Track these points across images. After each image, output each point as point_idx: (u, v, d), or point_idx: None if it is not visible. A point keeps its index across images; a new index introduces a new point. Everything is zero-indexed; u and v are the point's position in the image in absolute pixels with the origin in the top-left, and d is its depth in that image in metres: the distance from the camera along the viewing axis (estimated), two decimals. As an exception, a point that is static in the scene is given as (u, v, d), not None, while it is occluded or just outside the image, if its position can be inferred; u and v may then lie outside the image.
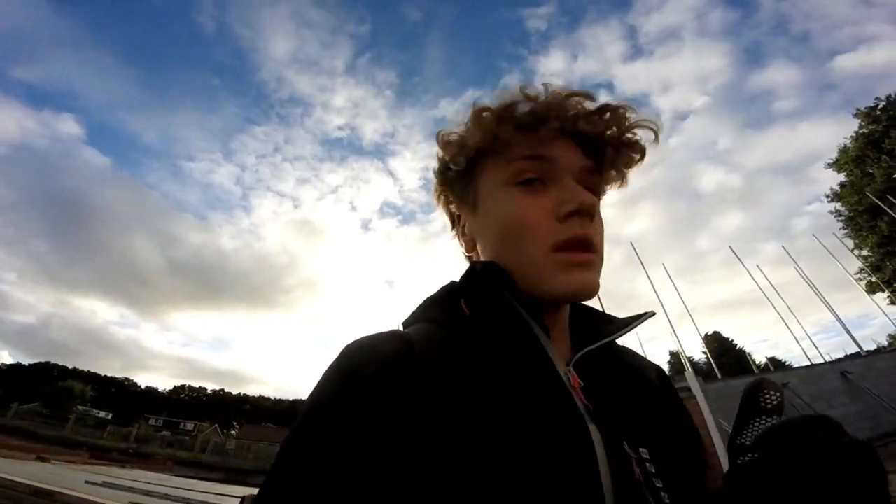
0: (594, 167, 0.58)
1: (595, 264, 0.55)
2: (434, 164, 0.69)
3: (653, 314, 0.60)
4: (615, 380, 0.55)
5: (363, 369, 0.48)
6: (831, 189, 27.52)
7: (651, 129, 0.58)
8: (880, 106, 25.09)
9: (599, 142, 0.57)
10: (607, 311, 0.65)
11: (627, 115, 0.58)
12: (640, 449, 0.47)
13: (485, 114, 0.59)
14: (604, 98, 0.59)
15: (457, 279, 0.63)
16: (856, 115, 25.90)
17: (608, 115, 0.57)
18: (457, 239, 0.70)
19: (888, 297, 23.01)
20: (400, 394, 0.45)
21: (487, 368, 0.49)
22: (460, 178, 0.64)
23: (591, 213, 0.54)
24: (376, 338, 0.53)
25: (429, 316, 0.60)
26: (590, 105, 0.58)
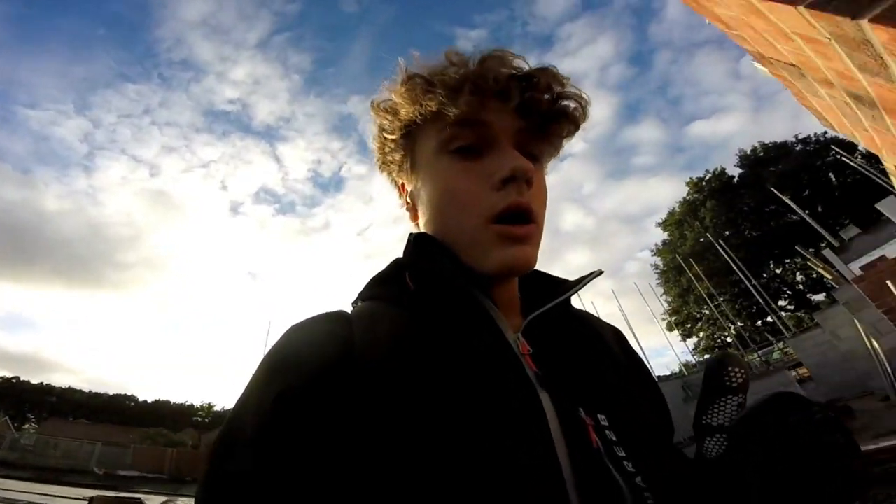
0: (531, 130, 0.56)
1: (534, 236, 0.54)
2: (369, 132, 0.67)
3: (600, 272, 0.59)
4: (569, 345, 0.54)
5: (295, 358, 0.47)
6: (655, 245, 35.36)
7: (580, 102, 0.57)
8: (706, 178, 32.03)
9: (533, 106, 0.54)
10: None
11: (562, 81, 0.56)
12: (599, 415, 0.45)
13: (417, 80, 0.57)
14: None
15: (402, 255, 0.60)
16: (687, 183, 33.03)
17: (541, 79, 0.54)
18: (403, 208, 0.68)
19: (680, 334, 30.60)
20: (338, 379, 0.44)
21: (433, 342, 0.48)
22: (398, 147, 0.62)
23: (527, 179, 0.52)
24: (312, 322, 0.52)
25: (374, 293, 0.59)
26: (523, 66, 0.56)
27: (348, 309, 0.58)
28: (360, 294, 0.60)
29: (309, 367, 0.46)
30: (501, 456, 0.40)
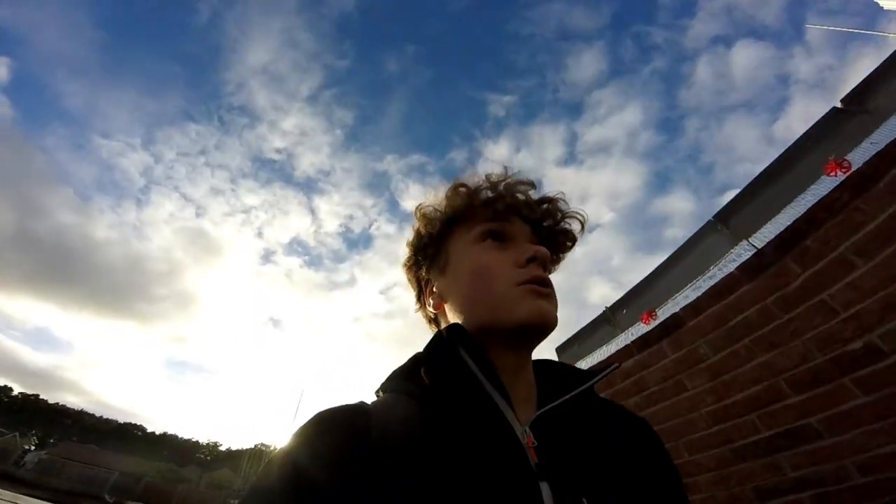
0: (542, 242, 0.69)
1: (554, 298, 0.62)
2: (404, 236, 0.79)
3: (618, 366, 0.66)
4: (577, 436, 0.57)
5: (318, 446, 0.51)
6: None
7: (579, 220, 0.73)
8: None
9: (539, 227, 0.71)
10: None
11: (560, 206, 0.72)
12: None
13: (460, 188, 0.72)
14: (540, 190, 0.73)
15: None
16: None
17: (546, 206, 0.71)
18: (421, 310, 0.77)
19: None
20: (353, 468, 0.48)
21: (442, 435, 0.52)
22: (433, 244, 0.73)
23: (545, 262, 0.64)
24: (335, 412, 0.56)
25: (393, 386, 0.63)
26: (533, 194, 0.72)
27: (369, 399, 0.63)
28: (382, 386, 0.65)
29: (329, 458, 0.50)
30: None
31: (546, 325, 0.60)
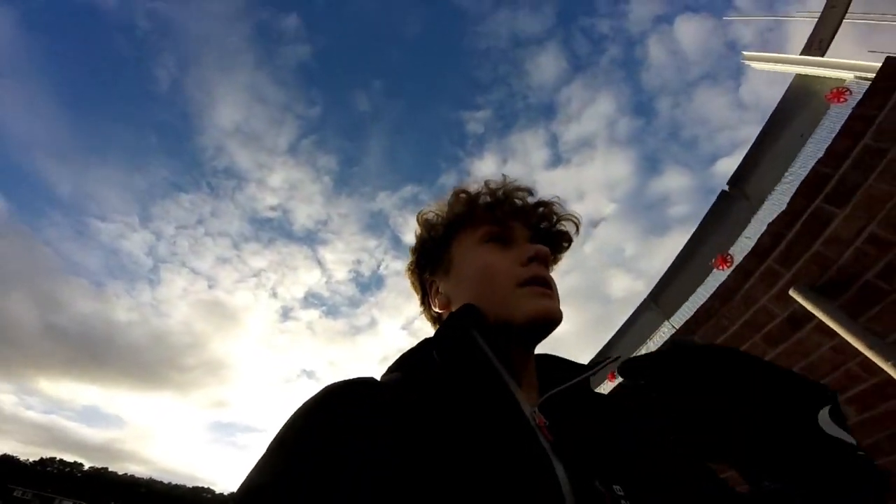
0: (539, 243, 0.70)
1: (555, 297, 0.64)
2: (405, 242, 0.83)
3: (618, 359, 0.60)
4: (585, 419, 0.56)
5: (331, 412, 0.49)
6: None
7: (573, 221, 0.76)
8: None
9: (537, 230, 0.74)
10: None
11: (556, 209, 0.75)
12: (615, 486, 0.46)
13: (461, 195, 0.76)
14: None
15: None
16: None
17: (542, 209, 0.74)
18: (426, 311, 0.79)
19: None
20: (363, 435, 0.45)
21: (452, 412, 0.50)
22: (436, 247, 0.76)
23: (546, 261, 0.67)
24: (345, 383, 0.54)
25: (402, 366, 0.63)
26: (530, 199, 0.75)
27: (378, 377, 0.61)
28: (390, 368, 0.64)
29: (340, 422, 0.47)
30: None
31: (550, 322, 0.62)
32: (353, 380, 0.55)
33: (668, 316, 2.63)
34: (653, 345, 2.72)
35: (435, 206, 0.79)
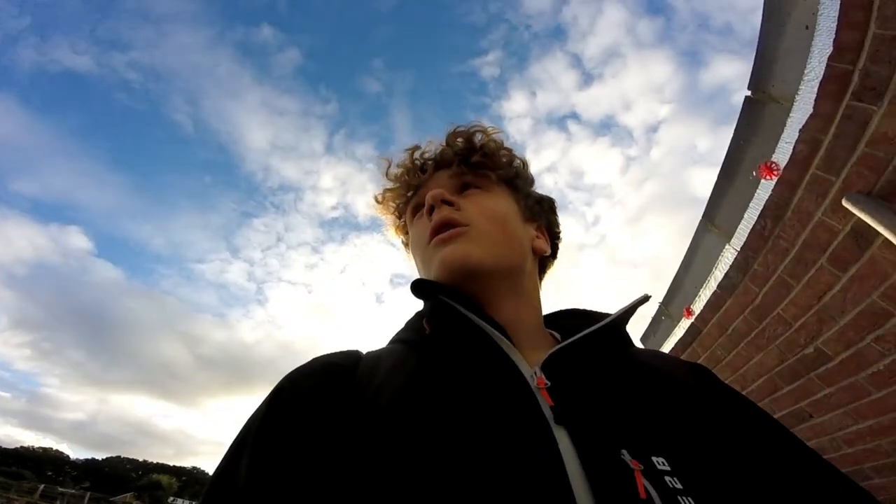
0: (461, 170, 0.68)
1: (462, 235, 0.59)
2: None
3: (647, 298, 0.55)
4: (611, 382, 0.47)
5: (296, 381, 0.49)
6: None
7: (479, 130, 0.72)
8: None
9: (458, 157, 0.69)
10: None
11: (470, 130, 0.72)
12: (656, 458, 0.37)
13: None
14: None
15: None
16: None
17: (465, 136, 0.71)
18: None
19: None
20: (332, 401, 0.45)
21: (438, 376, 0.47)
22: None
23: (436, 201, 0.62)
24: (322, 356, 0.54)
25: (398, 338, 0.61)
26: (460, 140, 0.71)
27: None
28: (388, 341, 0.62)
29: (305, 388, 0.47)
30: (503, 495, 0.34)
31: (459, 266, 0.56)
32: (332, 353, 0.55)
33: (728, 238, 2.41)
34: (719, 273, 2.49)
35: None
